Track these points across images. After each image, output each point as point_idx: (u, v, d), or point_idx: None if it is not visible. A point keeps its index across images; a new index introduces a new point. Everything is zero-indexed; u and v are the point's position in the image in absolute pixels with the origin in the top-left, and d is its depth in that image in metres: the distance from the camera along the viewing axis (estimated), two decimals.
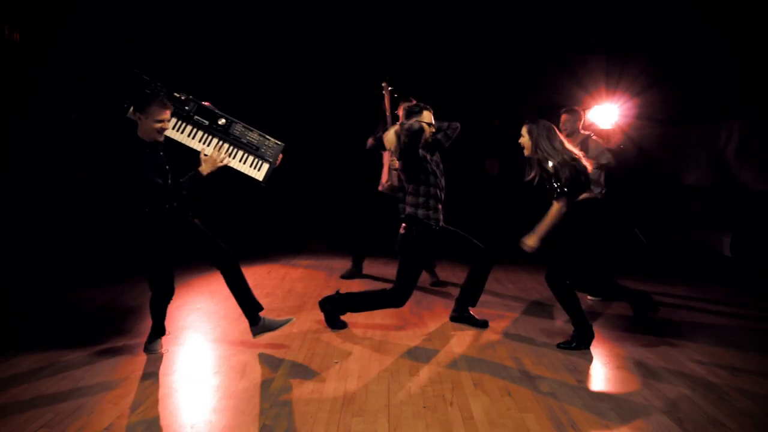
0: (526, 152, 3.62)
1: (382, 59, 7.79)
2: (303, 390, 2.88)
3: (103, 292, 4.77)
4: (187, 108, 3.56)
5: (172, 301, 4.54)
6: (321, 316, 4.20)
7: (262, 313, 3.51)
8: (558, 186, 3.48)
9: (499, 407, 2.71)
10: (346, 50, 7.96)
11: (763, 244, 6.38)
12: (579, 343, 3.57)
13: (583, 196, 3.57)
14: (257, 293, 4.80)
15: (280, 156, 3.71)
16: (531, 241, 3.55)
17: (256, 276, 5.52)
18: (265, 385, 2.93)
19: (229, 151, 3.55)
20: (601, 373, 3.21)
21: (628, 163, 8.18)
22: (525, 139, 3.63)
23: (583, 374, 3.17)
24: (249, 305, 3.46)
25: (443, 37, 7.91)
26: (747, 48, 6.69)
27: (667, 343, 3.69)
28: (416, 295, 4.85)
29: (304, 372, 3.12)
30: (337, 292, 3.98)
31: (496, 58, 7.97)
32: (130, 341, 3.56)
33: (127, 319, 4.04)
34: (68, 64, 6.84)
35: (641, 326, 4.04)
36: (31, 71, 6.37)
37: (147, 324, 3.87)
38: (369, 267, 6.00)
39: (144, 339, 3.56)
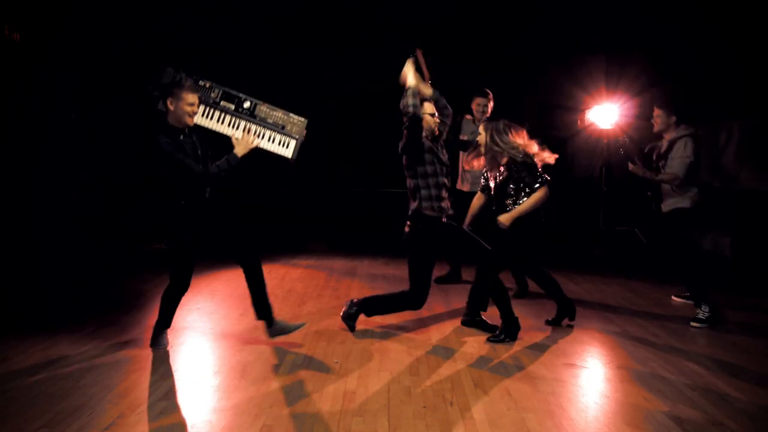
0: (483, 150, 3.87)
1: (382, 59, 7.79)
2: (303, 390, 2.88)
3: (103, 292, 4.77)
4: (213, 95, 3.65)
5: None
6: (320, 316, 4.21)
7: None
8: (539, 176, 3.73)
9: (499, 407, 2.71)
10: (346, 50, 7.96)
11: (763, 244, 6.39)
12: (507, 335, 3.69)
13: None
14: None
15: (305, 131, 3.83)
16: (504, 219, 3.77)
17: None
18: (265, 385, 2.93)
19: (257, 132, 3.66)
20: (601, 373, 3.21)
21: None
22: (482, 137, 3.88)
23: (583, 374, 3.17)
24: (263, 307, 3.50)
25: (443, 37, 7.90)
26: (747, 48, 6.69)
27: (667, 344, 3.69)
28: None
29: (304, 372, 3.12)
30: (364, 298, 3.84)
31: (496, 58, 7.96)
32: (130, 341, 3.56)
33: (127, 319, 4.04)
34: (68, 64, 6.84)
35: (641, 327, 4.04)
36: (31, 71, 6.37)
37: (147, 323, 3.89)
38: (369, 267, 6.00)
39: (146, 336, 3.57)
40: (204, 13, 7.46)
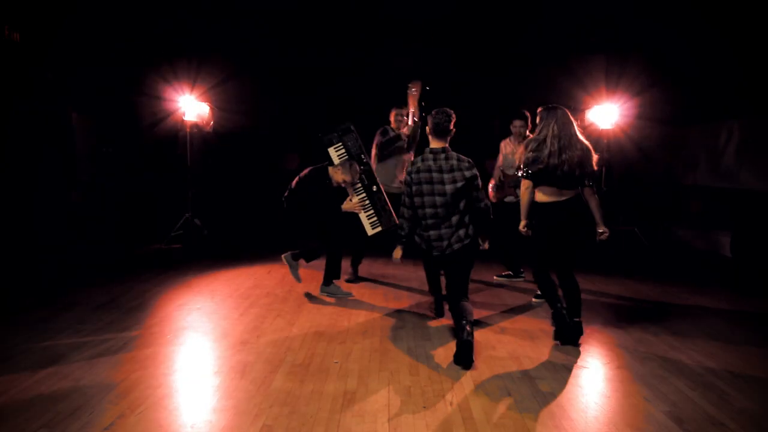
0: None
1: (382, 59, 7.79)
2: (303, 390, 2.88)
3: (103, 292, 4.77)
4: (362, 167, 4.71)
5: (172, 301, 4.59)
6: (320, 316, 4.22)
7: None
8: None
9: (499, 407, 2.71)
10: (346, 50, 7.97)
11: (763, 244, 6.39)
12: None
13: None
14: (257, 293, 4.84)
15: (391, 226, 4.72)
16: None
17: (256, 276, 5.52)
18: (265, 385, 2.93)
19: (365, 205, 4.76)
20: (601, 373, 3.21)
21: (629, 162, 8.20)
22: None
23: (583, 374, 3.17)
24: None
25: (443, 37, 7.90)
26: (747, 48, 6.69)
27: (667, 344, 3.69)
28: (416, 296, 4.86)
29: (304, 372, 3.12)
30: None
31: (496, 58, 7.96)
32: (130, 341, 3.56)
33: (127, 319, 4.04)
34: (68, 64, 6.84)
35: (641, 326, 4.05)
36: (31, 71, 6.37)
37: (147, 323, 3.90)
38: (369, 267, 6.00)
39: (146, 335, 3.57)
40: (204, 13, 7.46)
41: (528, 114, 5.21)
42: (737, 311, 4.59)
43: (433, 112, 3.70)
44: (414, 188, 3.65)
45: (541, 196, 3.63)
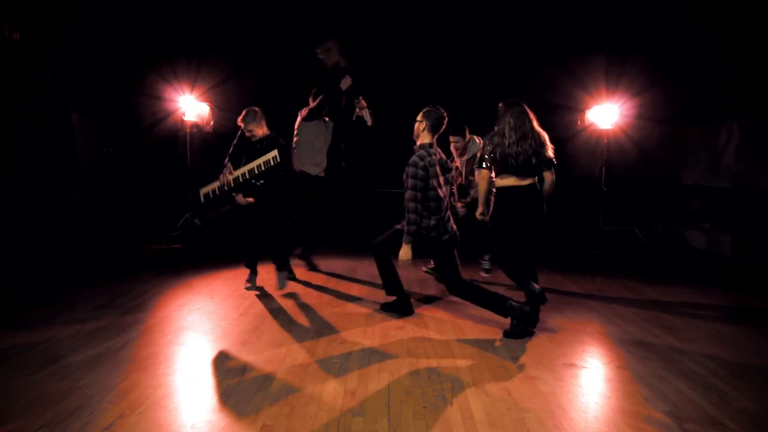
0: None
1: (382, 59, 7.79)
2: (303, 390, 2.88)
3: (103, 292, 4.77)
4: (258, 147, 4.80)
5: (172, 301, 4.58)
6: (320, 316, 4.22)
7: None
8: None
9: (499, 407, 2.71)
10: (345, 50, 7.97)
11: (763, 244, 6.39)
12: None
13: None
14: (257, 293, 4.84)
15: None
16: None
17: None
18: (265, 385, 2.93)
19: (237, 184, 4.78)
20: (602, 373, 3.21)
21: (629, 162, 8.20)
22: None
23: (584, 374, 3.17)
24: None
25: (443, 37, 7.91)
26: (747, 48, 6.69)
27: (667, 343, 3.69)
28: (416, 295, 4.86)
29: (304, 372, 3.12)
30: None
31: (496, 58, 7.96)
32: (130, 341, 3.56)
33: (127, 319, 4.04)
34: (68, 64, 6.84)
35: (641, 327, 4.05)
36: (31, 71, 6.38)
37: (147, 323, 3.90)
38: (369, 266, 6.00)
39: (142, 339, 3.57)
40: (204, 13, 7.47)
41: (466, 127, 5.57)
42: (737, 311, 4.59)
43: (428, 110, 3.99)
44: (433, 180, 3.87)
45: (502, 182, 3.91)
